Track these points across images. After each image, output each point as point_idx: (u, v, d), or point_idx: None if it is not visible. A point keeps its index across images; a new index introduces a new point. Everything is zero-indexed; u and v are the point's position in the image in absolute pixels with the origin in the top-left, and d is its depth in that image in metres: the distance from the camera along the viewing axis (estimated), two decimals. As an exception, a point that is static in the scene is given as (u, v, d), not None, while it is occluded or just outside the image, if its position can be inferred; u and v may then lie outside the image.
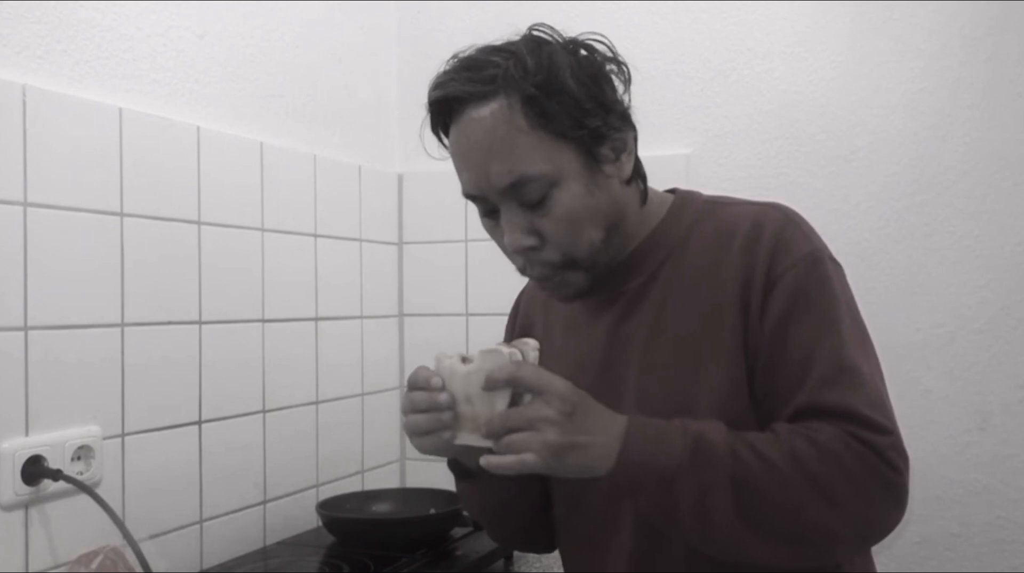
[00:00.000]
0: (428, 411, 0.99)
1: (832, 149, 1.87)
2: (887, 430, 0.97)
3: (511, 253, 1.06)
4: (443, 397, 0.98)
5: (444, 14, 2.15)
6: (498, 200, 1.03)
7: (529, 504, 1.20)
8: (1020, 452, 1.74)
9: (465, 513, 1.69)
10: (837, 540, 0.97)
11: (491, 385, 0.95)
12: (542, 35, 1.05)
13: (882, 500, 0.96)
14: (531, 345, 1.01)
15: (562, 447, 0.92)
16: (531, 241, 1.03)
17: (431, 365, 1.02)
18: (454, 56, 1.06)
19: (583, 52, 1.05)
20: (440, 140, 1.09)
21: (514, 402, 0.96)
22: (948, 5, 1.79)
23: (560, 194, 1.02)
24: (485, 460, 0.94)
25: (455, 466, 1.15)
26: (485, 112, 1.01)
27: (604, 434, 0.94)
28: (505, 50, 1.03)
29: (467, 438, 0.99)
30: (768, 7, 1.91)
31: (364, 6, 2.11)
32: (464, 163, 1.04)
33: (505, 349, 0.98)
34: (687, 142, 1.95)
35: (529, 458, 0.92)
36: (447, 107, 1.04)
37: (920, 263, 1.81)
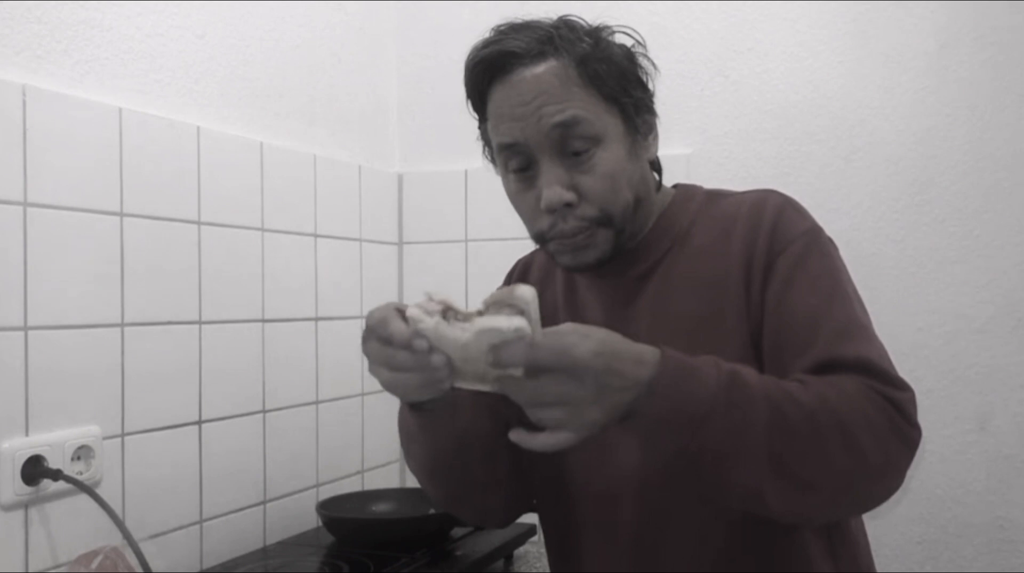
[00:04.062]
0: (417, 371, 0.89)
1: (832, 149, 1.87)
2: (904, 385, 0.98)
3: (543, 210, 1.04)
4: (437, 358, 0.87)
5: (444, 14, 2.15)
6: (540, 149, 1.03)
7: (477, 452, 1.12)
8: (1020, 452, 1.74)
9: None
10: (855, 490, 0.96)
11: (502, 365, 0.85)
12: (577, 20, 1.08)
13: (899, 453, 0.96)
14: (528, 297, 0.85)
15: (599, 421, 0.87)
16: (570, 196, 1.03)
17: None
18: (498, 25, 1.07)
19: (617, 38, 1.09)
20: (475, 103, 1.09)
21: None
22: (948, 5, 1.79)
23: (603, 153, 1.04)
24: (517, 436, 0.88)
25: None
26: (540, 69, 1.03)
27: (635, 387, 0.87)
28: (550, 22, 1.06)
29: (470, 385, 0.90)
30: (768, 7, 1.91)
31: (364, 6, 2.10)
32: (512, 113, 1.04)
33: (505, 324, 0.83)
34: (687, 142, 1.95)
35: (565, 437, 0.87)
36: (498, 63, 1.04)
37: (920, 263, 1.81)
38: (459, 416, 1.07)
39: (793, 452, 0.90)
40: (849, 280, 1.07)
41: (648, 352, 0.89)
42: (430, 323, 0.85)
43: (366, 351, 0.93)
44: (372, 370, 0.94)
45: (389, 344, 0.89)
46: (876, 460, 0.94)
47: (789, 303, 1.02)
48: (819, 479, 0.93)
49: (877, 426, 0.93)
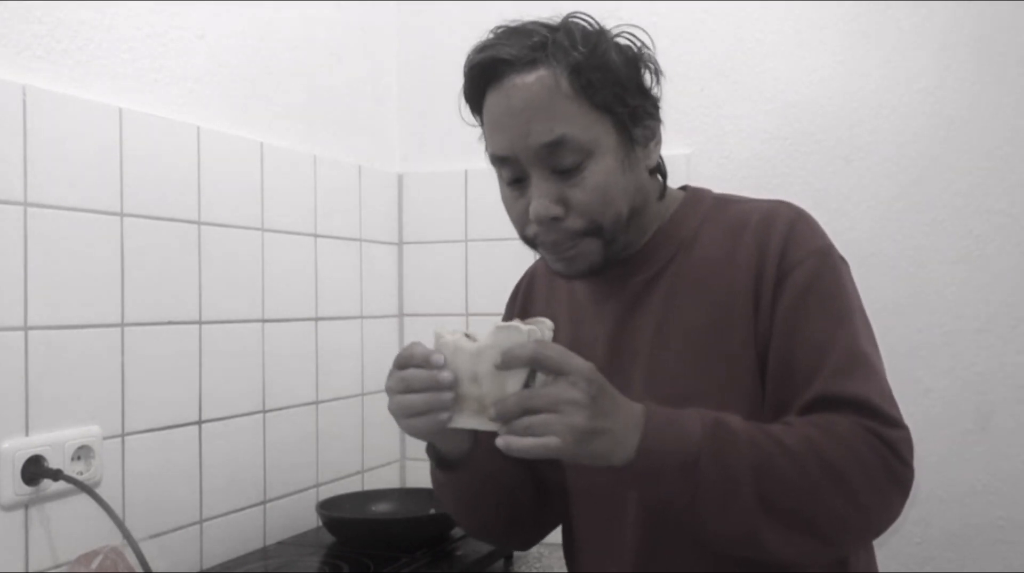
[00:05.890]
0: (426, 391, 0.94)
1: (832, 149, 1.87)
2: (899, 424, 0.98)
3: (531, 220, 1.04)
4: (445, 375, 0.93)
5: (444, 14, 2.15)
6: (530, 163, 1.02)
7: (504, 494, 1.16)
8: (1020, 452, 1.74)
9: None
10: (849, 529, 0.97)
11: (509, 363, 0.90)
12: (582, 20, 1.06)
13: (892, 492, 0.97)
14: (546, 325, 0.95)
15: (588, 432, 0.88)
16: (558, 210, 1.03)
17: (429, 345, 0.97)
18: (497, 27, 1.07)
19: (622, 40, 1.07)
20: (472, 107, 1.09)
21: (526, 384, 0.91)
22: (949, 5, 1.79)
23: (594, 166, 1.02)
24: (503, 441, 0.88)
25: (433, 451, 1.11)
26: (530, 78, 1.01)
27: (625, 421, 0.91)
28: (551, 24, 1.05)
29: (468, 421, 0.94)
30: (768, 7, 1.91)
31: (364, 6, 2.10)
32: (502, 124, 1.03)
33: (523, 326, 0.92)
34: (687, 142, 1.95)
35: (552, 442, 0.87)
36: (491, 69, 1.03)
37: (920, 263, 1.81)
38: (482, 469, 1.09)
39: (782, 494, 0.92)
40: (859, 303, 1.06)
41: (636, 404, 0.93)
42: (451, 338, 0.95)
43: (387, 387, 0.99)
44: (390, 405, 0.99)
45: (408, 365, 0.96)
46: (869, 500, 0.95)
47: (795, 332, 1.01)
48: (812, 520, 0.94)
49: (870, 467, 0.94)
